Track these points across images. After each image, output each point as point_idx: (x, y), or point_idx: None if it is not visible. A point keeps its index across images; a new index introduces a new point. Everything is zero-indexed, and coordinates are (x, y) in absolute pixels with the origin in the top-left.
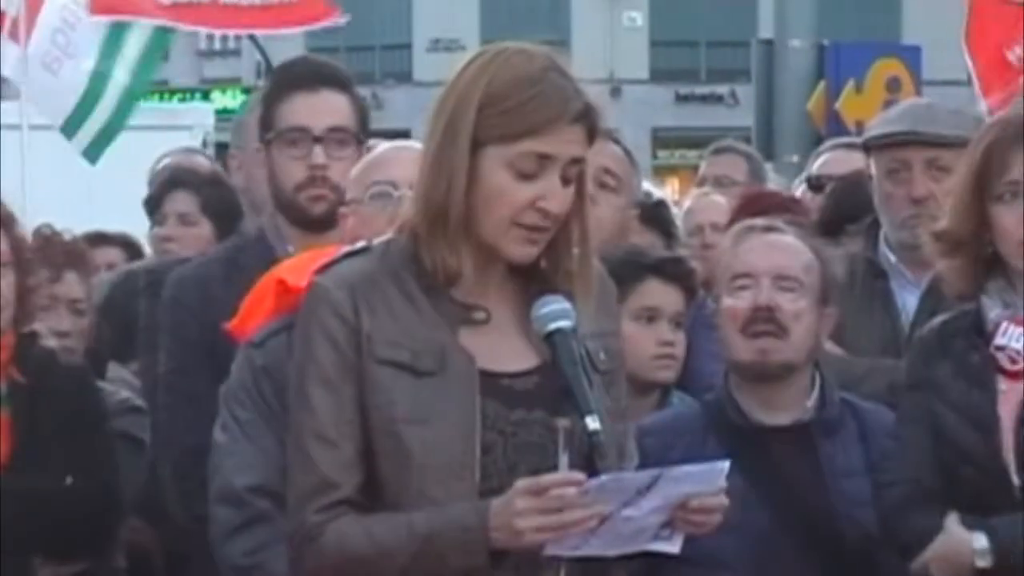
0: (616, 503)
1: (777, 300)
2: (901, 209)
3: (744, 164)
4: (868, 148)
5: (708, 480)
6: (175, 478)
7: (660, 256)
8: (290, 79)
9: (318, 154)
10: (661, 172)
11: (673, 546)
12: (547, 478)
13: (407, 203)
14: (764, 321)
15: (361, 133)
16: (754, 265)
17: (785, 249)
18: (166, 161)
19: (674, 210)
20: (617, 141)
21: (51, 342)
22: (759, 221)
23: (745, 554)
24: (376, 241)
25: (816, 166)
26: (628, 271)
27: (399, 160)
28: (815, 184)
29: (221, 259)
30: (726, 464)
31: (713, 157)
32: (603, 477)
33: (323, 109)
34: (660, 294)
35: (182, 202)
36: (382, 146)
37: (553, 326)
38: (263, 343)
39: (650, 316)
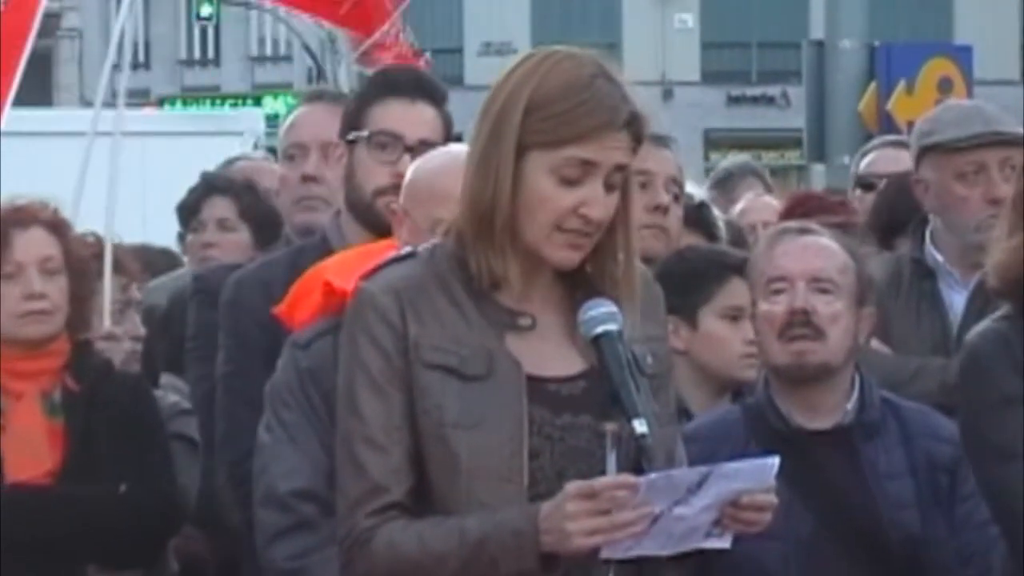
0: (667, 502)
1: (813, 303)
2: (977, 211)
3: (758, 183)
4: (925, 152)
5: (758, 477)
6: (230, 483)
7: (743, 256)
8: (390, 84)
9: (406, 163)
10: None
11: (724, 542)
12: (599, 481)
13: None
14: (801, 325)
15: None
16: (789, 269)
17: (820, 251)
18: (240, 164)
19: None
20: (668, 147)
21: (127, 346)
22: (793, 224)
23: (790, 560)
24: (422, 246)
25: (864, 164)
26: (713, 271)
27: None
28: (866, 183)
29: (282, 261)
30: (776, 460)
31: (721, 189)
32: (653, 475)
33: (418, 120)
34: (744, 293)
35: (221, 208)
36: (440, 164)
37: (600, 329)
38: (308, 345)
39: (735, 316)
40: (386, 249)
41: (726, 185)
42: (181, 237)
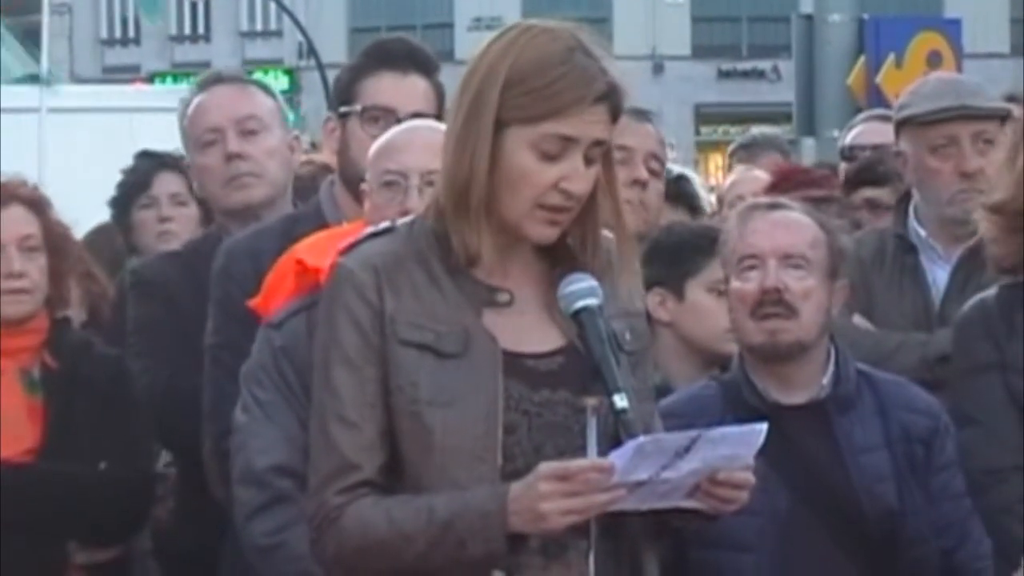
0: (655, 467)
1: (784, 280)
2: (950, 185)
3: (780, 158)
4: (902, 125)
5: (746, 442)
6: (215, 456)
7: None
8: (382, 56)
9: None
10: (704, 148)
11: (701, 503)
12: (573, 463)
13: (428, 189)
14: (773, 303)
15: (437, 120)
16: (759, 246)
17: (789, 227)
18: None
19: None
20: (649, 122)
21: None
22: (763, 199)
23: (767, 535)
24: (400, 221)
25: (850, 137)
26: (704, 244)
27: (411, 147)
28: (849, 155)
29: (275, 230)
30: (764, 427)
31: (745, 153)
32: (641, 438)
33: (411, 93)
34: None
35: (173, 183)
36: (397, 129)
37: (580, 304)
38: (282, 324)
39: (722, 290)
40: (356, 230)
41: (751, 145)
42: (118, 217)
